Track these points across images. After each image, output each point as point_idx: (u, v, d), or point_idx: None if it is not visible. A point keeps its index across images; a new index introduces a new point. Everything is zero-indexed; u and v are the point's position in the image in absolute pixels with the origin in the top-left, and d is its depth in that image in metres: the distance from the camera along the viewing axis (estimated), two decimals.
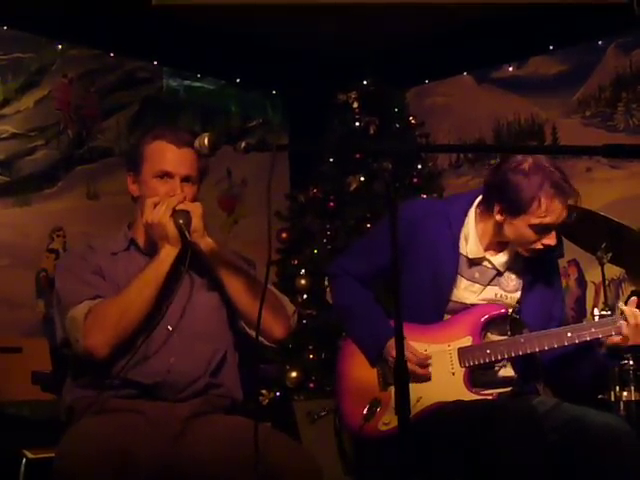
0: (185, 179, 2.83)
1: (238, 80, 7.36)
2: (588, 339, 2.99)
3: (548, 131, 6.80)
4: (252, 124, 7.59)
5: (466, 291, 3.12)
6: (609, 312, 3.21)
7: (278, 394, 5.74)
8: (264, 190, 2.30)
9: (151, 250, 2.86)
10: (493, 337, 3.12)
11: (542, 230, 2.98)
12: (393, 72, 6.43)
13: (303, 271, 5.97)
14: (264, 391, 5.65)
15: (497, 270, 3.13)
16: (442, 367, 3.06)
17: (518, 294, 3.15)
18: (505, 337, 3.10)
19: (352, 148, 5.81)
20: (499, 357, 3.04)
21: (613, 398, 3.54)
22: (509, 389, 3.11)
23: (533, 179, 2.94)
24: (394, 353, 2.99)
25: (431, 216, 3.15)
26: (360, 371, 3.16)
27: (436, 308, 3.11)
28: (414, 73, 7.18)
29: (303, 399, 5.60)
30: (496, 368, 3.11)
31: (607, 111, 6.54)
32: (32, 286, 6.03)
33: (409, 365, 2.95)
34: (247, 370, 2.98)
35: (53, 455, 2.60)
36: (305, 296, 5.91)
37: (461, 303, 3.12)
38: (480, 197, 3.15)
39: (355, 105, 6.18)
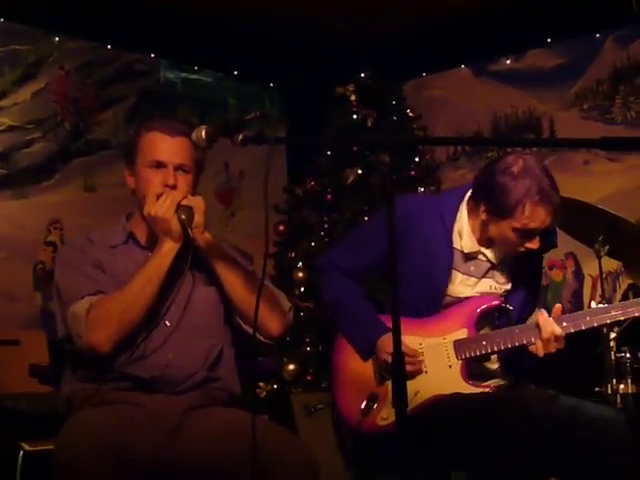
0: (179, 168, 2.82)
1: (236, 72, 7.35)
2: (583, 328, 2.98)
3: (546, 124, 6.81)
4: (250, 117, 7.58)
5: (461, 285, 3.12)
6: (606, 305, 3.21)
7: (275, 387, 5.75)
8: (262, 183, 2.30)
9: (150, 244, 2.86)
10: (488, 329, 3.12)
11: (525, 235, 2.98)
12: (391, 65, 6.44)
13: (300, 264, 5.98)
14: (261, 384, 5.65)
15: (492, 263, 3.13)
16: (439, 360, 3.05)
17: (509, 286, 3.16)
18: (500, 328, 3.10)
19: (350, 141, 5.80)
20: (495, 349, 3.04)
21: (610, 391, 3.54)
22: (506, 380, 3.12)
23: (520, 184, 2.92)
24: (385, 350, 3.02)
25: (424, 212, 3.14)
26: (356, 366, 3.16)
27: (432, 303, 3.11)
28: (412, 66, 7.18)
29: (300, 392, 5.60)
30: (492, 359, 3.12)
31: (605, 104, 6.55)
32: (29, 279, 6.03)
33: None
34: (244, 363, 2.99)
35: (51, 448, 2.60)
36: (302, 289, 5.92)
37: (456, 297, 3.12)
38: (470, 192, 3.15)
39: (353, 98, 6.18)
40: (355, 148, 5.97)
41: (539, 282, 3.33)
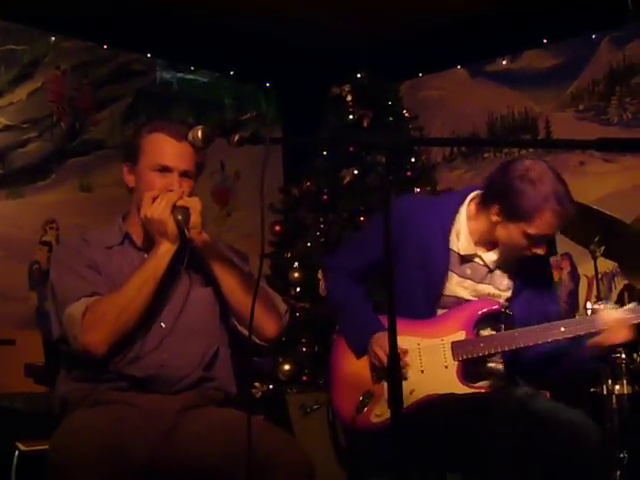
0: (183, 174, 2.83)
1: (232, 73, 7.36)
2: (582, 334, 2.99)
3: (541, 125, 6.82)
4: (246, 117, 7.59)
5: (458, 287, 3.13)
6: (601, 305, 3.21)
7: (271, 387, 5.75)
8: (257, 183, 2.30)
9: (146, 245, 2.86)
10: (486, 332, 3.13)
11: (535, 240, 2.99)
12: (387, 65, 6.43)
13: (296, 264, 5.97)
14: (257, 384, 5.65)
15: (488, 267, 3.13)
16: (435, 360, 3.06)
17: (509, 293, 3.16)
18: (496, 332, 3.11)
19: (346, 141, 5.80)
20: (492, 351, 3.05)
21: (605, 392, 3.55)
22: (500, 382, 3.12)
23: (540, 190, 2.91)
24: (376, 343, 3.03)
25: (422, 212, 3.15)
26: (353, 364, 3.17)
27: (429, 303, 3.12)
28: (408, 66, 7.19)
29: (296, 392, 5.60)
30: (489, 362, 3.13)
31: (600, 105, 6.56)
32: (25, 278, 6.03)
33: (381, 361, 2.98)
34: (240, 363, 2.99)
35: (46, 447, 2.60)
36: (298, 289, 5.91)
37: (454, 297, 3.12)
38: (473, 194, 3.15)
39: (349, 98, 6.17)
40: (351, 148, 5.96)
41: (550, 287, 3.29)
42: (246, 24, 6.78)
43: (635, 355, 3.82)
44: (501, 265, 3.14)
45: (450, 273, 3.12)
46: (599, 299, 3.57)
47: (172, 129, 2.83)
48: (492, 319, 3.13)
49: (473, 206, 3.14)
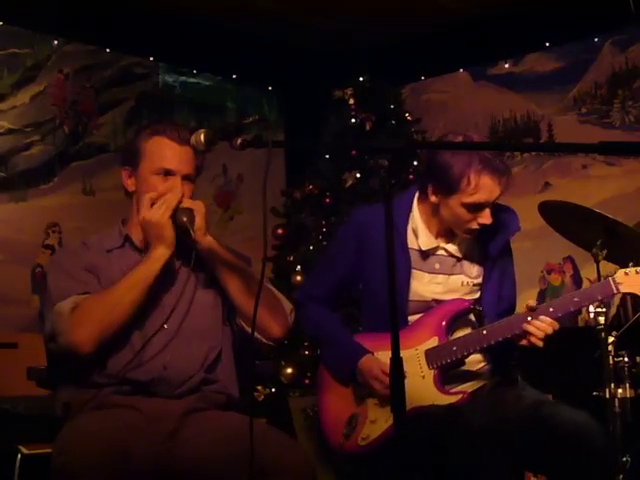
0: (185, 177, 2.83)
1: (234, 76, 7.36)
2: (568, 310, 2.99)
3: (544, 128, 6.81)
4: (248, 120, 7.58)
5: (431, 284, 3.11)
6: (604, 309, 3.21)
7: (273, 390, 5.75)
8: (260, 186, 2.30)
9: (142, 246, 2.87)
10: (460, 332, 3.11)
11: (475, 208, 2.97)
12: (389, 68, 6.44)
13: (299, 267, 5.97)
14: (259, 387, 5.65)
15: (455, 257, 3.12)
16: (412, 372, 3.02)
17: (480, 279, 3.15)
18: (469, 331, 3.09)
19: (348, 145, 5.80)
20: (465, 353, 3.03)
21: (608, 395, 3.54)
22: (483, 382, 3.11)
23: (461, 156, 2.92)
24: (366, 374, 3.01)
25: (375, 220, 3.08)
26: (337, 390, 3.17)
27: (398, 311, 3.10)
28: (410, 69, 7.19)
29: (298, 395, 5.60)
30: (468, 362, 3.10)
31: (603, 108, 6.55)
32: (28, 282, 6.02)
33: (380, 385, 2.96)
34: (243, 366, 2.99)
35: (48, 451, 2.60)
36: None
37: (425, 301, 3.11)
38: (418, 189, 3.15)
39: (351, 102, 6.17)
40: (353, 152, 5.97)
41: (511, 269, 3.26)
42: (248, 28, 6.78)
43: (638, 358, 3.81)
44: (468, 253, 3.13)
45: (418, 272, 3.10)
46: (601, 302, 3.57)
47: (173, 132, 2.84)
48: (466, 317, 3.12)
49: (420, 200, 3.14)
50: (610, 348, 3.54)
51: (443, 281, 3.12)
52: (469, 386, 3.08)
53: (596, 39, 6.55)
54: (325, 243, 5.93)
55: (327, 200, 6.08)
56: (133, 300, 2.72)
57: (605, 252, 3.41)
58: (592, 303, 3.04)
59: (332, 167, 6.14)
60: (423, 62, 7.15)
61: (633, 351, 3.67)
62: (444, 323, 3.07)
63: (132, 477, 2.53)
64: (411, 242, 3.12)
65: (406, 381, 2.97)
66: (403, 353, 3.00)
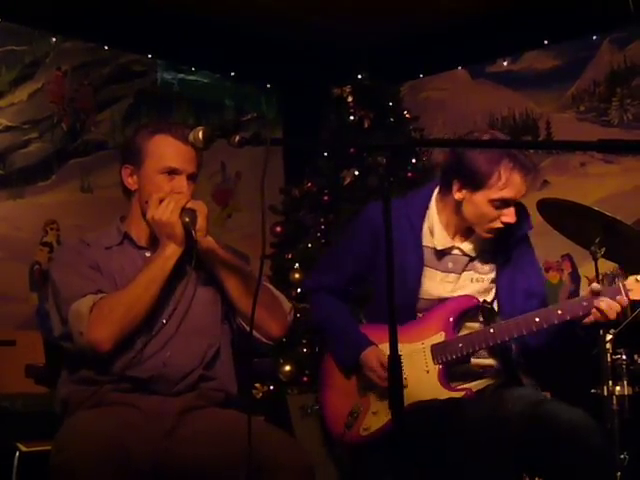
0: (190, 177, 2.84)
1: (233, 74, 7.35)
2: (556, 322, 2.98)
3: (542, 126, 6.81)
4: (246, 118, 7.58)
5: (443, 283, 3.11)
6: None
7: (272, 388, 5.75)
8: (258, 184, 2.30)
9: (147, 244, 2.87)
10: (467, 329, 3.11)
11: (502, 205, 2.97)
12: (388, 66, 6.43)
13: (297, 265, 5.97)
14: (258, 385, 5.65)
15: (469, 256, 3.12)
16: (417, 366, 3.05)
17: (493, 274, 3.15)
18: (478, 328, 3.09)
19: (346, 142, 5.80)
20: (471, 350, 3.03)
21: (606, 392, 3.54)
22: (488, 380, 3.11)
23: (491, 152, 2.93)
24: (368, 365, 3.02)
25: (394, 217, 3.13)
26: (340, 380, 3.18)
27: (407, 306, 3.10)
28: (409, 67, 7.19)
29: (297, 393, 5.60)
30: (472, 360, 3.11)
31: (601, 106, 6.55)
32: (26, 279, 6.02)
33: (377, 378, 2.97)
34: (241, 364, 2.99)
35: (47, 448, 2.60)
36: (299, 290, 5.91)
37: (436, 298, 3.11)
38: (437, 188, 3.14)
39: (349, 99, 6.17)
40: (352, 149, 5.97)
41: (532, 262, 3.27)
42: (247, 25, 6.78)
43: (636, 356, 3.81)
44: (481, 252, 3.13)
45: (430, 270, 3.11)
46: None
47: (177, 131, 2.84)
48: (473, 314, 3.12)
49: (439, 198, 3.13)
50: (608, 346, 3.54)
51: (454, 280, 3.12)
52: (474, 385, 3.08)
53: (595, 37, 6.55)
54: (324, 241, 5.93)
55: (325, 198, 6.07)
56: (150, 297, 2.74)
57: (603, 250, 3.40)
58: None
59: (330, 165, 6.14)
60: (422, 60, 7.15)
61: (631, 349, 3.67)
62: (452, 319, 3.08)
63: (131, 475, 2.53)
64: (426, 240, 3.12)
65: (410, 375, 3.02)
66: (409, 346, 3.05)
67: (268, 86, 7.69)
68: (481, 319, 3.11)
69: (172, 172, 2.82)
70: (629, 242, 3.38)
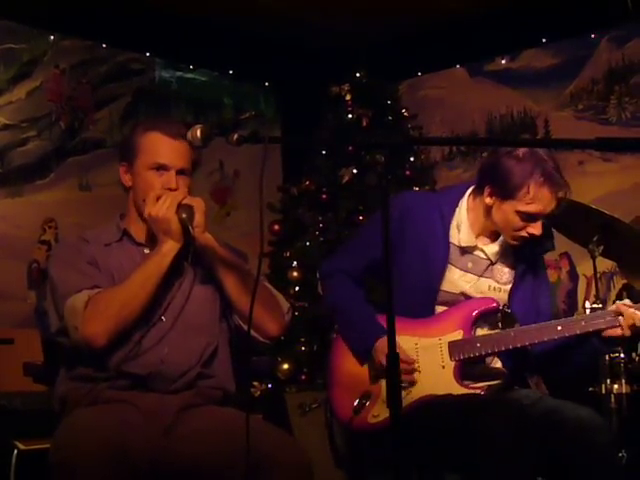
0: (180, 172, 2.83)
1: (231, 72, 7.35)
2: (578, 333, 2.99)
3: (540, 124, 6.82)
4: (245, 116, 7.58)
5: (460, 281, 3.13)
6: (600, 305, 3.22)
7: (270, 386, 5.75)
8: (256, 182, 2.30)
9: (146, 241, 2.88)
10: (484, 331, 3.12)
11: (528, 218, 2.98)
12: (386, 64, 6.44)
13: (295, 263, 5.97)
14: (256, 383, 5.65)
15: (490, 260, 3.13)
16: (432, 360, 3.05)
17: (509, 287, 3.16)
18: (496, 331, 3.11)
19: (345, 140, 5.81)
20: (489, 351, 3.04)
21: (604, 391, 3.56)
22: (498, 382, 3.12)
23: (525, 165, 2.94)
24: (382, 351, 3.01)
25: (422, 207, 3.16)
26: (352, 365, 3.16)
27: (426, 299, 3.11)
28: (407, 65, 7.19)
29: (295, 391, 5.60)
30: (487, 361, 3.12)
31: (600, 104, 6.56)
32: (24, 277, 6.02)
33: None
34: (239, 362, 2.99)
35: (45, 446, 2.60)
36: (297, 288, 5.91)
37: (456, 293, 3.12)
38: (472, 187, 3.16)
39: (348, 97, 6.17)
40: (350, 148, 5.96)
41: (545, 283, 3.30)
42: (245, 23, 6.78)
43: (634, 354, 3.83)
44: (502, 257, 3.15)
45: (451, 267, 3.12)
46: (598, 298, 3.58)
47: (167, 127, 2.85)
48: (490, 317, 3.13)
49: (472, 197, 3.15)
50: None
51: (472, 281, 3.13)
52: (485, 385, 3.08)
53: (593, 35, 6.55)
54: (322, 239, 5.93)
55: (323, 196, 6.07)
56: (147, 294, 2.74)
57: (601, 248, 3.42)
58: None
59: (329, 163, 6.14)
60: (420, 58, 7.15)
61: (629, 347, 3.68)
62: (470, 318, 3.08)
63: (129, 473, 2.53)
64: (452, 236, 3.13)
65: (425, 368, 3.03)
66: (426, 340, 3.07)
67: (266, 84, 7.69)
68: (497, 323, 3.12)
69: (161, 168, 2.82)
70: (627, 240, 3.39)
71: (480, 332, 3.12)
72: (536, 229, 3.01)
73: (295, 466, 2.59)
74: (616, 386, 3.61)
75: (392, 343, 2.18)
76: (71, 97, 6.43)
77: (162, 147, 2.83)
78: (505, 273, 3.16)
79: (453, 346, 3.06)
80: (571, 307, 6.32)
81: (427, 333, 3.10)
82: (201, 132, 2.42)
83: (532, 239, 3.05)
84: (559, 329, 2.99)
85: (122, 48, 6.71)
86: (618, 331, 2.98)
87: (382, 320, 3.10)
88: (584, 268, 6.23)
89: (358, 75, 6.23)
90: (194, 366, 2.81)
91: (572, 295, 6.47)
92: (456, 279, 3.12)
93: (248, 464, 2.46)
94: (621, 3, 5.61)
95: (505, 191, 2.98)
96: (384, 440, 2.79)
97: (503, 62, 7.02)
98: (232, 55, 7.07)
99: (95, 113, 6.57)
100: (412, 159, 6.21)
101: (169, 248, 2.77)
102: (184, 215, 2.76)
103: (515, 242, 3.08)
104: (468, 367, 3.08)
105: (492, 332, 3.10)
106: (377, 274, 3.21)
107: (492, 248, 3.13)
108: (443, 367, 3.05)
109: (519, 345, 3.01)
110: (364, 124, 6.09)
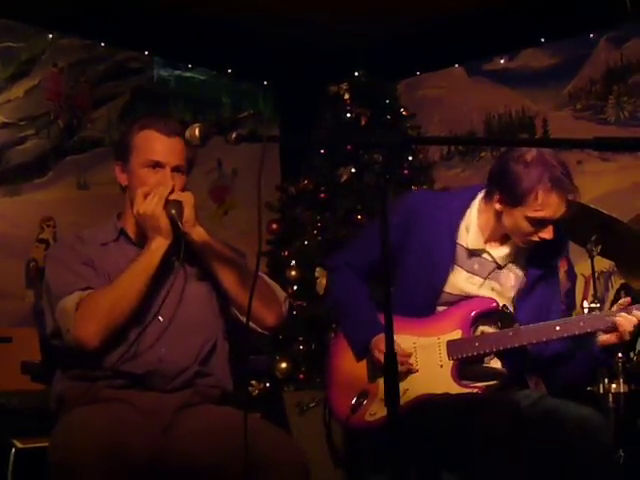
0: (175, 169, 2.83)
1: (229, 71, 7.35)
2: (577, 333, 2.99)
3: (539, 124, 6.81)
4: (243, 115, 7.58)
5: (466, 282, 3.12)
6: (598, 305, 3.22)
7: (268, 385, 5.75)
8: (255, 181, 2.31)
9: (141, 240, 2.86)
10: (483, 331, 3.12)
11: (538, 223, 2.97)
12: (384, 64, 6.43)
13: (293, 262, 5.97)
14: (254, 382, 5.65)
15: (497, 263, 3.12)
16: (430, 359, 3.06)
17: (514, 292, 3.15)
18: (494, 330, 3.10)
19: (343, 140, 5.80)
20: (487, 350, 3.04)
21: (602, 390, 3.55)
22: (497, 382, 3.12)
23: (533, 171, 2.92)
24: (378, 347, 3.02)
25: (430, 206, 3.15)
26: (350, 363, 3.17)
27: (429, 298, 3.11)
28: (406, 65, 7.18)
29: (293, 390, 5.60)
30: (485, 361, 3.12)
31: (598, 104, 6.56)
32: (22, 276, 6.02)
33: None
34: (237, 361, 2.99)
35: (43, 445, 2.60)
36: (295, 287, 5.91)
37: (458, 295, 3.11)
38: (483, 190, 3.15)
39: (346, 97, 6.17)
40: (348, 147, 5.96)
41: (556, 287, 3.28)
42: (244, 22, 6.77)
43: (632, 354, 3.83)
44: (513, 261, 3.14)
45: (457, 268, 3.11)
46: (596, 298, 3.58)
47: (161, 125, 2.84)
48: (490, 317, 3.12)
49: (483, 201, 3.14)
50: None
51: (477, 283, 3.12)
52: (483, 385, 3.08)
53: (591, 35, 6.55)
54: (320, 238, 5.93)
55: (322, 195, 6.07)
56: (137, 292, 2.73)
57: (599, 248, 3.41)
58: None
59: (327, 162, 6.14)
60: (418, 57, 7.15)
61: (627, 347, 3.68)
62: (470, 318, 3.08)
63: (128, 471, 2.53)
64: (461, 238, 3.12)
65: (423, 367, 3.04)
66: (425, 339, 3.07)
67: (265, 83, 7.68)
68: (498, 323, 3.12)
69: (155, 165, 2.81)
70: (625, 240, 3.39)
71: (479, 332, 3.12)
72: (547, 234, 3.00)
73: (293, 465, 2.59)
74: (614, 385, 3.60)
75: (390, 343, 2.18)
76: (69, 96, 6.43)
77: (156, 144, 2.82)
78: (512, 278, 3.15)
79: (451, 345, 3.06)
80: (569, 307, 6.30)
81: (426, 332, 3.10)
82: (199, 131, 2.42)
83: (544, 243, 3.05)
84: (557, 329, 2.99)
85: (120, 47, 6.71)
86: (613, 338, 2.98)
87: (382, 318, 3.11)
88: (582, 268, 6.19)
89: (356, 74, 6.23)
90: (192, 364, 2.81)
91: (570, 295, 6.41)
92: (462, 281, 3.11)
93: (246, 463, 2.46)
94: (620, 3, 5.62)
95: (514, 198, 2.96)
96: (382, 438, 2.80)
97: (502, 62, 7.02)
98: (231, 54, 7.06)
99: (93, 112, 6.57)
100: (410, 158, 6.20)
101: (158, 245, 2.76)
102: (173, 211, 2.75)
103: (527, 245, 3.07)
104: (466, 366, 3.07)
105: (491, 331, 3.10)
106: (380, 273, 3.20)
107: (501, 251, 3.12)
108: (441, 366, 3.05)
109: (517, 345, 3.01)
110: (362, 123, 6.09)
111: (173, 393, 2.77)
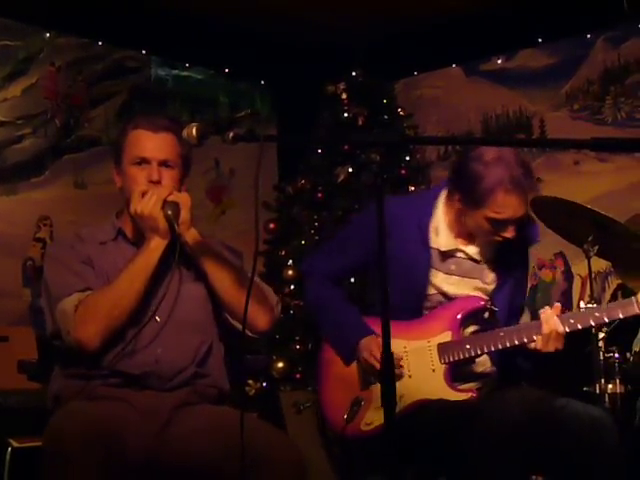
0: (163, 163, 2.82)
1: (227, 70, 7.34)
2: (582, 326, 2.97)
3: (536, 124, 6.81)
4: (240, 114, 7.57)
5: (444, 282, 3.11)
6: (594, 305, 3.22)
7: (264, 384, 5.75)
8: (252, 181, 2.30)
9: (139, 240, 2.86)
10: (472, 330, 3.11)
11: (499, 224, 2.96)
12: (382, 63, 6.44)
13: (290, 262, 5.98)
14: (250, 381, 5.65)
15: (474, 260, 3.11)
16: (422, 364, 3.04)
17: (494, 285, 3.15)
18: (485, 330, 3.08)
19: (340, 139, 5.81)
20: (479, 352, 3.02)
21: (598, 390, 3.55)
22: (489, 381, 3.11)
23: (492, 172, 2.90)
24: (366, 349, 3.01)
25: (399, 212, 3.09)
26: (340, 370, 3.15)
27: (413, 305, 3.10)
28: (403, 65, 7.18)
29: (289, 390, 5.60)
30: (477, 361, 3.10)
31: (595, 104, 6.56)
32: (18, 275, 6.01)
33: (374, 366, 2.94)
34: (233, 360, 2.99)
35: (39, 444, 2.60)
36: (292, 287, 5.92)
37: (440, 293, 3.10)
38: (447, 187, 3.14)
39: (344, 96, 6.18)
40: (345, 147, 5.97)
41: (524, 279, 3.29)
42: (241, 22, 6.77)
43: (628, 354, 3.83)
44: (488, 256, 3.13)
45: (434, 271, 3.10)
46: (592, 298, 3.58)
47: (149, 122, 2.84)
48: (478, 317, 3.11)
49: (447, 199, 3.12)
50: (600, 344, 3.55)
51: (456, 282, 3.11)
52: (475, 385, 3.07)
53: (589, 35, 6.55)
54: (317, 238, 5.93)
55: (319, 195, 6.08)
56: (136, 292, 2.73)
57: (596, 248, 3.41)
58: (612, 320, 3.01)
59: (324, 162, 6.15)
60: (416, 57, 7.14)
61: (623, 347, 3.68)
62: (458, 319, 3.07)
63: (123, 466, 2.53)
64: (432, 241, 3.10)
65: (415, 372, 3.02)
66: (415, 343, 3.05)
67: (262, 83, 7.68)
68: (485, 321, 3.11)
69: (143, 161, 2.81)
70: (622, 240, 3.39)
71: (468, 331, 3.11)
72: (509, 233, 2.98)
73: (289, 464, 2.59)
74: (610, 386, 3.61)
75: (387, 344, 2.18)
76: (67, 95, 6.42)
77: (143, 141, 2.83)
78: (491, 272, 3.14)
79: (442, 348, 3.04)
80: (566, 307, 6.31)
81: (415, 335, 3.07)
82: (197, 130, 2.42)
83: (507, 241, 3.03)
84: (570, 322, 2.96)
85: (118, 46, 6.70)
86: (532, 345, 2.97)
87: (371, 323, 3.10)
88: (579, 268, 6.24)
89: (354, 74, 6.24)
90: (189, 365, 2.81)
91: (567, 295, 6.47)
92: (439, 281, 3.10)
93: (243, 462, 2.46)
94: (617, 3, 5.62)
95: (473, 199, 2.94)
96: (378, 446, 2.79)
97: (499, 62, 7.02)
98: (228, 53, 7.05)
99: (90, 111, 6.56)
100: (408, 158, 6.22)
101: (155, 245, 2.76)
102: (169, 212, 2.75)
103: (493, 242, 3.06)
104: (459, 367, 3.06)
105: (480, 333, 3.09)
106: (359, 274, 3.20)
107: (473, 248, 3.11)
108: (433, 370, 3.03)
109: (508, 345, 2.99)
110: (360, 123, 6.10)
111: (170, 392, 2.77)
